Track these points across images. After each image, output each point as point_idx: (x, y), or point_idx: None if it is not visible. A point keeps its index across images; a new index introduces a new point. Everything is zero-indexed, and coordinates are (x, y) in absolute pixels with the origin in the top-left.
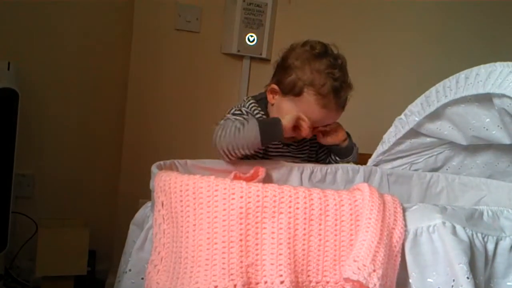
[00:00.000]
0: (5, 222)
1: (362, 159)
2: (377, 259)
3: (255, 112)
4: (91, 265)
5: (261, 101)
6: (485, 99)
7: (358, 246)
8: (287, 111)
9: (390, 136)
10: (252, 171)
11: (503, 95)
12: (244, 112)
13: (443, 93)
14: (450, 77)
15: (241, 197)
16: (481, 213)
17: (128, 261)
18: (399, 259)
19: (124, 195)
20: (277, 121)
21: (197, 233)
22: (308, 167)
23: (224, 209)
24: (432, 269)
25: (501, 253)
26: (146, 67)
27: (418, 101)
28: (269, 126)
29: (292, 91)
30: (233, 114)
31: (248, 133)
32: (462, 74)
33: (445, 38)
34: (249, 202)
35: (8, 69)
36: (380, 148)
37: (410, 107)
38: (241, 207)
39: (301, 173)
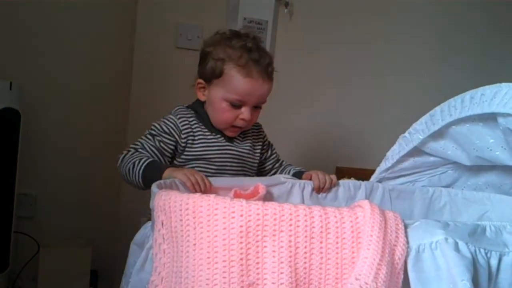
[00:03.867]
0: (7, 242)
1: (364, 175)
2: (379, 277)
3: (179, 116)
4: (93, 285)
5: (196, 104)
6: (489, 119)
7: (360, 264)
8: (216, 98)
9: (394, 153)
10: (252, 188)
11: (508, 115)
12: (161, 128)
13: (448, 112)
14: (456, 97)
15: (241, 215)
16: (484, 229)
17: (129, 282)
18: (401, 276)
19: (126, 214)
20: (160, 171)
21: (197, 252)
22: (310, 183)
23: (224, 228)
24: (435, 286)
25: (504, 269)
26: (148, 85)
27: (423, 119)
28: (152, 175)
29: (213, 75)
30: (149, 133)
31: (134, 177)
32: (467, 94)
33: (451, 54)
34: (249, 221)
35: (10, 88)
36: (383, 165)
37: (414, 125)
38: (241, 226)
39: (302, 190)
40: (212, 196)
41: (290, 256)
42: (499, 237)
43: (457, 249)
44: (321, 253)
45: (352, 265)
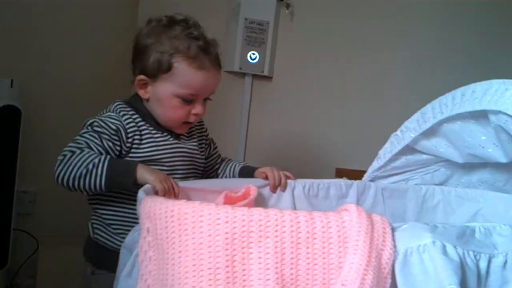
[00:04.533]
0: (7, 239)
1: (357, 176)
2: (366, 282)
3: (122, 113)
4: None
5: (134, 101)
6: (481, 116)
7: (346, 269)
8: (166, 94)
9: (386, 152)
10: (243, 190)
11: (499, 112)
12: (107, 125)
13: (439, 109)
14: (447, 94)
15: (227, 222)
16: (473, 230)
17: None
18: (389, 281)
19: None
20: (131, 170)
21: (182, 259)
22: (300, 183)
23: (210, 235)
24: None
25: (494, 271)
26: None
27: (414, 117)
28: (121, 176)
29: (160, 69)
30: (93, 130)
31: (92, 180)
32: (458, 91)
33: (452, 55)
34: (234, 227)
35: (11, 86)
36: (375, 164)
37: (406, 123)
38: (226, 233)
39: (293, 190)
40: (197, 202)
41: (277, 262)
42: (488, 238)
43: (444, 252)
44: (308, 258)
45: (339, 270)
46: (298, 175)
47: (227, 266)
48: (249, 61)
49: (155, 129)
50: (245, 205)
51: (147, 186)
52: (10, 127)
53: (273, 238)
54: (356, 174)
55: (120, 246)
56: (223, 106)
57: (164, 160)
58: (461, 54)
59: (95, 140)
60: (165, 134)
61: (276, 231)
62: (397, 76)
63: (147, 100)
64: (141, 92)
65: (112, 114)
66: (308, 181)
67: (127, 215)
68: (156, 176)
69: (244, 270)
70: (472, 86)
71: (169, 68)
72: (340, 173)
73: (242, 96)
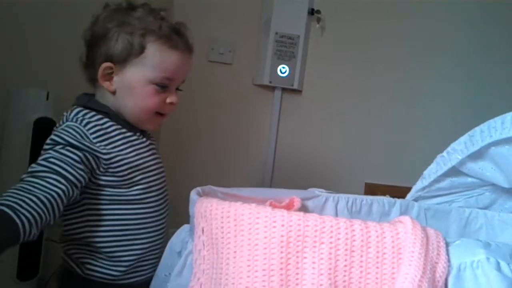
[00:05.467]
0: (38, 249)
1: (386, 190)
2: None
3: (89, 126)
4: None
5: (93, 103)
6: None
7: (401, 280)
8: (138, 81)
9: (431, 172)
10: (287, 201)
11: None
12: (80, 137)
13: (488, 133)
14: (496, 118)
15: (282, 225)
16: None
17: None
18: None
19: None
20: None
21: (237, 260)
22: (343, 197)
23: (265, 237)
24: None
25: None
26: (179, 98)
27: (461, 139)
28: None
29: (130, 52)
30: (68, 144)
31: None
32: (508, 116)
33: (481, 73)
34: (290, 231)
35: (47, 98)
36: (420, 184)
37: (453, 145)
38: (282, 236)
39: (336, 204)
40: (253, 204)
41: (330, 269)
42: None
43: (499, 269)
44: (361, 267)
45: (392, 281)
46: (327, 189)
47: (281, 269)
48: (279, 75)
49: (128, 130)
50: None
51: (198, 188)
52: (45, 138)
53: (328, 244)
54: (386, 189)
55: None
56: (252, 119)
57: (149, 167)
58: (497, 64)
59: (74, 158)
60: (137, 134)
61: (331, 237)
62: (429, 90)
63: (113, 93)
64: (106, 84)
65: (76, 125)
66: (351, 196)
67: (133, 232)
68: None
69: (297, 274)
70: None
71: (141, 49)
72: (370, 188)
73: (271, 110)
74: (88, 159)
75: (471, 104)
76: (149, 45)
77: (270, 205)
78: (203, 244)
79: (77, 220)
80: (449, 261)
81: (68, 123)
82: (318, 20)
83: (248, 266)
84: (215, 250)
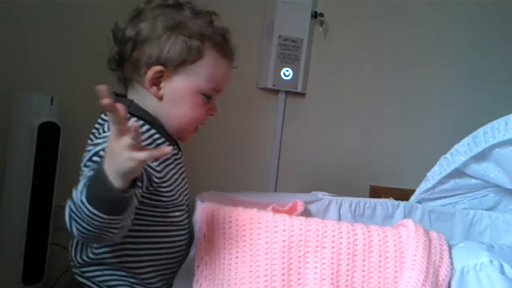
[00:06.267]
0: (43, 253)
1: (391, 193)
2: None
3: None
4: None
5: (133, 107)
6: None
7: (404, 283)
8: (187, 89)
9: (435, 174)
10: (290, 205)
11: None
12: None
13: (491, 134)
14: (499, 119)
15: (284, 230)
16: None
17: None
18: None
19: None
20: (101, 178)
21: (239, 265)
22: (346, 200)
23: (267, 242)
24: None
25: None
26: None
27: (465, 141)
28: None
29: (187, 58)
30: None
31: (83, 215)
32: (511, 117)
33: (484, 74)
34: (292, 236)
35: (51, 103)
36: (423, 186)
37: (456, 146)
38: (283, 240)
39: (340, 207)
40: (255, 210)
41: (332, 273)
42: None
43: (502, 271)
44: (364, 271)
45: (395, 285)
46: (332, 193)
47: (283, 274)
48: (282, 78)
49: (168, 141)
50: None
51: (203, 194)
52: (50, 143)
53: (330, 249)
54: (391, 192)
55: None
56: (256, 122)
57: (185, 185)
58: (500, 65)
59: None
60: (175, 147)
61: (333, 242)
62: (433, 93)
63: (160, 99)
64: (154, 90)
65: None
66: (354, 200)
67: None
68: (123, 158)
69: (299, 279)
70: None
71: (199, 56)
72: (375, 191)
73: (275, 113)
74: (141, 175)
75: (476, 106)
76: (208, 52)
77: (273, 209)
78: (205, 250)
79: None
80: (452, 264)
81: (101, 136)
82: (322, 23)
83: (250, 271)
84: (217, 256)
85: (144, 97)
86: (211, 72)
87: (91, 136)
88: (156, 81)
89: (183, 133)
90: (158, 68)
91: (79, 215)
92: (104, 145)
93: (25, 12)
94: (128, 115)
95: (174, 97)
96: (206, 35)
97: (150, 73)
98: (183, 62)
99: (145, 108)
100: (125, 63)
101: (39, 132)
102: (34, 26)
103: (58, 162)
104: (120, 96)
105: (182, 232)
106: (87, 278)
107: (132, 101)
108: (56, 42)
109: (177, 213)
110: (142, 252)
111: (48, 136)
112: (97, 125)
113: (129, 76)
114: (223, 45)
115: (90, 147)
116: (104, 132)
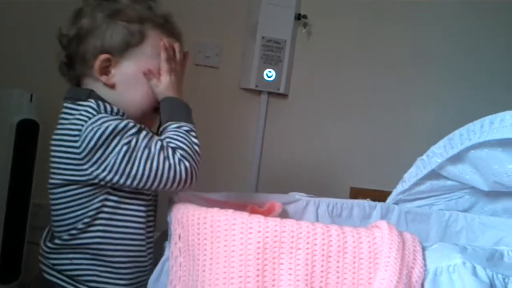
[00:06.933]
0: (20, 251)
1: (371, 195)
2: None
3: (122, 113)
4: None
5: (94, 96)
6: (509, 144)
7: (377, 285)
8: (137, 71)
9: (411, 175)
10: (268, 205)
11: None
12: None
13: (467, 136)
14: (475, 121)
15: (259, 231)
16: (502, 254)
17: None
18: None
19: None
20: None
21: (213, 267)
22: (324, 201)
23: (242, 243)
24: None
25: None
26: None
27: (441, 143)
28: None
29: (131, 41)
30: (131, 132)
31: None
32: (487, 119)
33: (465, 77)
34: (266, 237)
35: (31, 100)
36: (400, 187)
37: (432, 148)
38: (258, 242)
39: (317, 208)
40: (230, 211)
41: (307, 275)
42: None
43: (475, 273)
44: (338, 272)
45: (369, 286)
46: (313, 194)
47: (257, 276)
48: (265, 79)
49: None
50: None
51: (179, 194)
52: (28, 140)
53: (305, 250)
54: (371, 194)
55: None
56: (238, 122)
57: None
58: (489, 73)
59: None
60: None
61: (308, 243)
62: (416, 96)
63: (112, 86)
64: (105, 78)
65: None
66: (332, 200)
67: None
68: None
69: (274, 280)
70: (500, 114)
71: (142, 37)
72: (355, 192)
73: (257, 113)
74: None
75: (457, 109)
76: (151, 33)
77: (251, 209)
78: (180, 251)
79: (87, 225)
80: (425, 265)
81: (102, 115)
82: (305, 25)
83: (224, 273)
84: (191, 257)
85: (99, 90)
86: (156, 51)
87: (77, 121)
88: (106, 70)
89: (145, 118)
90: (104, 56)
91: (186, 143)
92: (117, 121)
93: (5, 9)
94: (92, 100)
95: (129, 81)
96: (145, 17)
97: (98, 62)
98: (127, 46)
99: (104, 96)
100: (74, 62)
101: (17, 129)
102: (13, 24)
103: (37, 160)
104: (83, 89)
105: (148, 224)
106: (56, 272)
107: (92, 90)
108: (36, 39)
109: (136, 202)
110: (114, 235)
111: (27, 134)
112: (83, 113)
113: (80, 73)
114: (166, 26)
115: (91, 126)
116: (101, 112)
